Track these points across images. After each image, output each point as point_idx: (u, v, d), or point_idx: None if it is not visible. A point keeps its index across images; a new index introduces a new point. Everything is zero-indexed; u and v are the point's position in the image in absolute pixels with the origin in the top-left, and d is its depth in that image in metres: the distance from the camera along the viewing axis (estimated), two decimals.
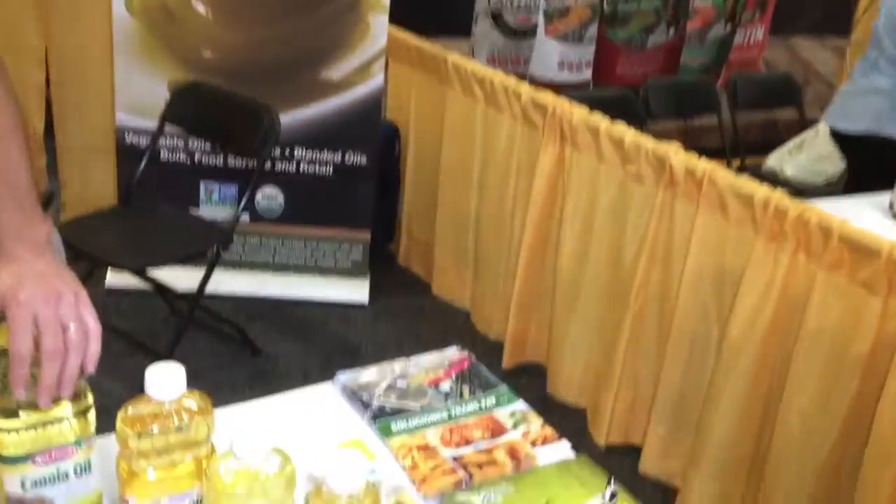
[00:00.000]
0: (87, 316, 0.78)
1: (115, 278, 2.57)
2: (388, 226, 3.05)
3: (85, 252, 2.15)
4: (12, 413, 0.75)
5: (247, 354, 2.43)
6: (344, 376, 1.12)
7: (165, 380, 0.78)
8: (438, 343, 1.20)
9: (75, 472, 0.80)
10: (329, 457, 0.72)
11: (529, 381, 2.42)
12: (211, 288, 2.29)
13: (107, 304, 2.53)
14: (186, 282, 2.35)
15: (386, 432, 1.02)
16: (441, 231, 2.81)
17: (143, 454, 0.77)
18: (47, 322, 0.74)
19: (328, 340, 2.61)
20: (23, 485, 0.77)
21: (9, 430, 0.75)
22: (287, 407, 1.06)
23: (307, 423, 1.04)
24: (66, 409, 0.78)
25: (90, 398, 0.80)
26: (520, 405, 1.10)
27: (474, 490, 0.93)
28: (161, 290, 2.42)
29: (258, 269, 2.76)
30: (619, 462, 2.13)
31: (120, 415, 0.78)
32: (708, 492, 1.91)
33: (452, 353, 1.21)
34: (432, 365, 1.17)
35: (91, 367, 0.77)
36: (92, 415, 0.80)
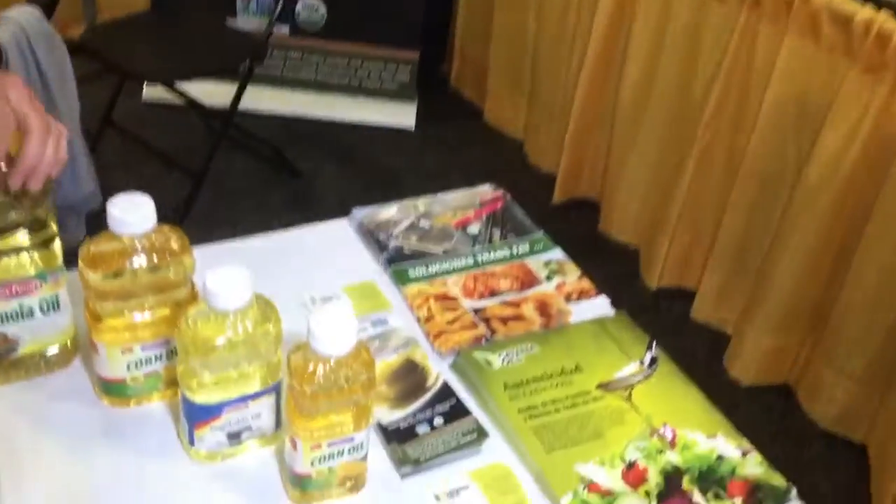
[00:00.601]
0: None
1: (152, 91, 2.45)
2: (440, 45, 2.83)
3: (111, 62, 2.03)
4: None
5: (285, 177, 2.33)
6: (360, 212, 1.00)
7: (131, 213, 0.66)
8: (487, 174, 1.06)
9: (41, 310, 0.71)
10: (315, 313, 0.61)
11: (580, 218, 2.29)
12: (251, 106, 2.16)
13: (143, 117, 2.44)
14: (224, 97, 2.23)
15: (401, 278, 0.90)
16: (496, 53, 2.58)
17: (108, 296, 0.67)
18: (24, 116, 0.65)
19: (370, 167, 2.49)
20: None
21: None
22: (296, 244, 0.96)
23: (316, 262, 0.93)
24: (22, 236, 0.68)
25: (53, 227, 0.70)
26: (556, 254, 0.97)
27: (494, 347, 0.82)
28: (195, 105, 2.30)
29: (300, 88, 2.61)
30: (669, 306, 2.03)
31: (81, 252, 0.67)
32: (762, 343, 1.80)
33: (485, 190, 1.07)
34: (461, 203, 1.04)
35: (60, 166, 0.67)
36: (57, 245, 0.70)
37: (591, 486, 0.70)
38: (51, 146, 0.66)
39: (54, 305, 0.72)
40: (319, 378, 0.60)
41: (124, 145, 2.29)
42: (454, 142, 2.63)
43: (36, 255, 0.69)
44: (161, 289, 0.69)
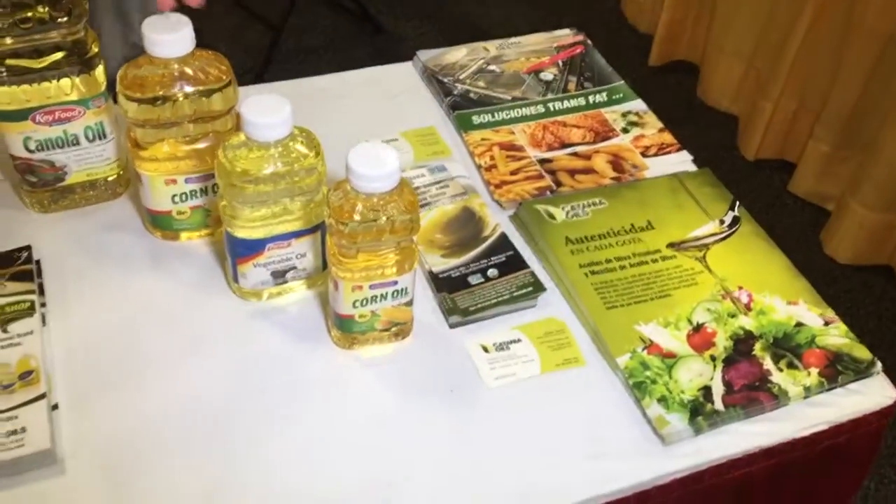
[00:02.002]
0: None
1: None
2: None
3: None
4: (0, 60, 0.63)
5: (368, 33, 2.25)
6: (425, 54, 0.93)
7: (168, 33, 0.62)
8: (579, 30, 0.97)
9: (87, 138, 0.69)
10: (354, 149, 0.56)
11: (678, 82, 2.13)
12: None
13: None
14: None
15: (465, 124, 0.84)
16: None
17: (147, 123, 0.64)
18: None
19: (457, 23, 2.37)
20: (27, 147, 0.68)
21: None
22: (358, 86, 0.90)
23: (376, 105, 0.88)
24: (61, 59, 0.65)
25: (95, 49, 0.66)
26: (637, 104, 0.88)
27: (558, 200, 0.76)
28: None
29: None
30: (767, 178, 1.90)
31: (119, 76, 0.64)
32: (866, 220, 1.67)
33: (564, 34, 0.98)
34: (536, 48, 0.95)
35: None
36: (100, 71, 0.67)
37: (651, 346, 0.65)
38: None
39: (100, 134, 0.70)
40: (357, 215, 0.56)
41: None
42: None
43: (77, 80, 0.66)
44: (203, 118, 0.65)
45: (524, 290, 0.68)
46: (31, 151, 0.68)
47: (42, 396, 0.58)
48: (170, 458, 0.58)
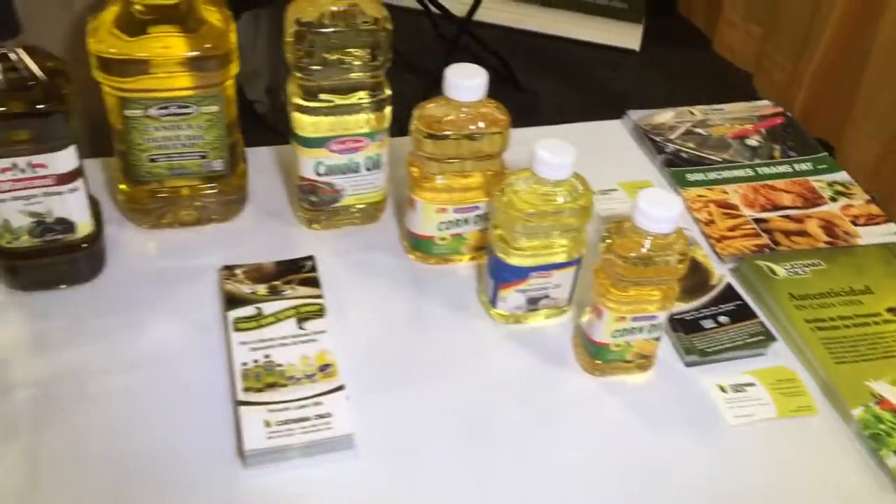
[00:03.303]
0: None
1: None
2: None
3: None
4: (313, 94, 0.72)
5: (507, 89, 2.36)
6: (636, 114, 1.01)
7: (467, 81, 0.71)
8: (712, 104, 1.03)
9: (366, 166, 0.78)
10: (644, 192, 0.63)
11: None
12: (476, 14, 2.19)
13: None
14: (454, 5, 2.26)
15: (680, 181, 0.91)
16: None
17: (434, 157, 0.73)
18: None
19: (591, 84, 2.46)
20: (316, 170, 0.77)
21: (309, 111, 0.73)
22: (572, 138, 0.97)
23: (590, 157, 0.94)
24: (363, 97, 0.74)
25: (388, 91, 0.76)
26: (842, 176, 0.94)
27: (778, 258, 0.81)
28: (428, 10, 2.35)
29: (524, 1, 2.60)
30: None
31: (416, 112, 0.73)
32: None
33: (763, 105, 1.04)
34: (738, 116, 1.01)
35: None
36: (388, 110, 0.76)
37: (882, 402, 0.69)
38: None
39: (377, 164, 0.79)
40: (643, 252, 0.63)
41: None
42: (678, 67, 2.55)
43: (372, 115, 0.75)
44: (481, 157, 0.73)
45: (756, 339, 0.73)
46: (319, 175, 0.77)
47: (341, 388, 0.65)
48: (442, 452, 0.64)
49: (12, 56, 0.61)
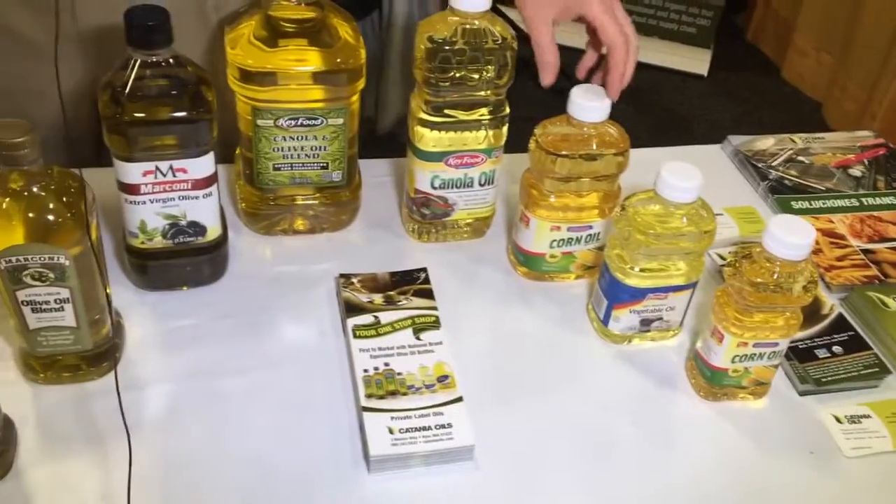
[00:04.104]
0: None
1: None
2: None
3: None
4: (437, 109, 0.74)
5: None
6: (736, 139, 1.00)
7: (592, 102, 0.72)
8: (780, 132, 1.03)
9: (479, 182, 0.79)
10: (775, 218, 0.63)
11: None
12: None
13: None
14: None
15: (785, 208, 0.90)
16: (809, 6, 2.43)
17: (550, 176, 0.73)
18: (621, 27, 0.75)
19: (657, 108, 2.46)
20: (432, 184, 0.78)
21: (432, 126, 0.74)
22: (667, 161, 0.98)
23: None
24: (484, 114, 0.75)
25: (507, 108, 0.77)
26: None
27: (889, 289, 0.80)
28: None
29: None
30: None
31: (537, 130, 0.74)
32: None
33: (865, 135, 1.03)
34: (840, 145, 1.01)
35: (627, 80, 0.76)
36: (506, 128, 0.78)
37: None
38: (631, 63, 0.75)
39: (490, 180, 0.80)
40: (773, 278, 0.63)
41: None
42: (746, 94, 2.53)
43: (491, 132, 0.77)
44: (599, 177, 0.74)
45: (871, 370, 0.73)
46: (434, 188, 0.79)
47: (460, 399, 0.66)
48: (558, 468, 0.65)
49: (164, 64, 0.64)
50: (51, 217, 0.58)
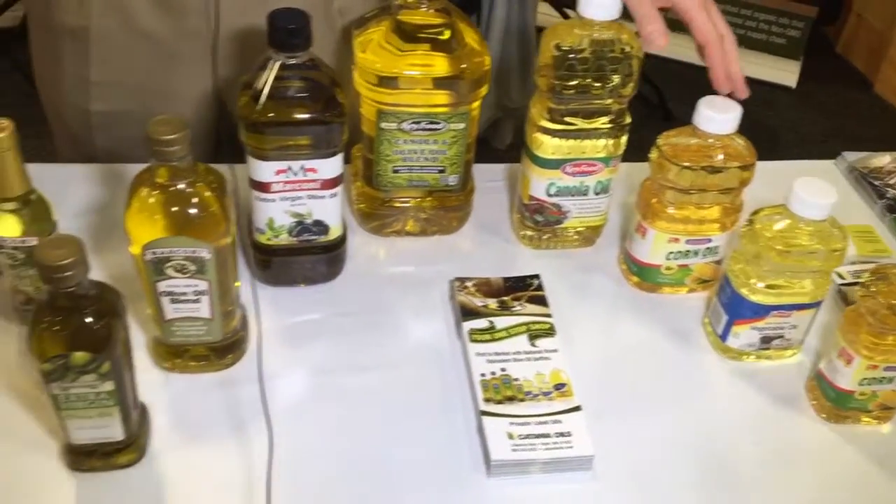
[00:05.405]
0: None
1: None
2: (832, 5, 2.63)
3: None
4: (559, 117, 0.74)
5: (658, 118, 2.34)
6: (851, 156, 0.98)
7: (720, 114, 0.71)
8: (871, 148, 0.99)
9: (594, 190, 0.79)
10: None
11: None
12: None
13: None
14: None
15: None
16: None
17: (671, 187, 0.73)
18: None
19: (743, 119, 2.40)
20: (547, 191, 0.78)
21: (552, 133, 0.75)
22: (775, 174, 0.96)
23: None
24: (605, 123, 0.75)
25: (628, 117, 0.76)
26: None
27: None
28: None
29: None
30: None
31: (660, 140, 0.74)
32: None
33: None
34: None
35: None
36: (625, 138, 0.77)
37: None
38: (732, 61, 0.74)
39: (605, 189, 0.79)
40: None
41: None
42: (836, 108, 2.47)
43: (610, 141, 0.76)
44: (722, 190, 0.73)
45: None
46: (549, 195, 0.79)
47: (578, 408, 0.66)
48: (677, 483, 0.64)
49: (302, 66, 0.65)
50: (195, 211, 0.60)
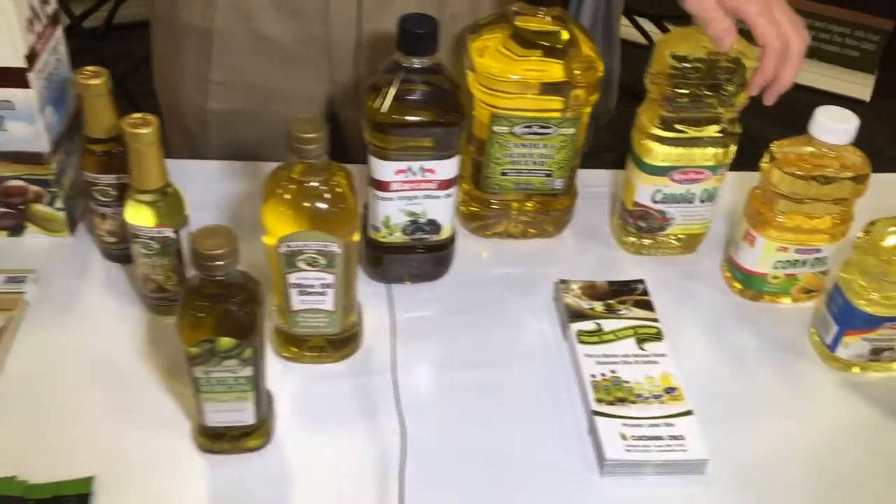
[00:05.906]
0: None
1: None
2: None
3: None
4: (669, 125, 0.75)
5: None
6: None
7: (838, 124, 0.71)
8: None
9: (700, 198, 0.79)
10: None
11: None
12: None
13: None
14: None
15: None
16: None
17: (788, 195, 0.73)
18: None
19: None
20: (653, 198, 0.79)
21: (662, 141, 0.75)
22: (882, 187, 0.95)
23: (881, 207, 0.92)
24: (715, 131, 0.75)
25: (738, 128, 0.77)
26: None
27: None
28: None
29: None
30: None
31: (773, 147, 0.74)
32: None
33: None
34: None
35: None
36: (734, 146, 0.78)
37: None
38: (789, 68, 0.72)
39: (710, 197, 0.80)
40: None
41: None
42: None
43: (719, 150, 0.77)
44: (835, 200, 0.73)
45: None
46: (654, 202, 0.79)
47: (690, 412, 0.67)
48: (791, 492, 0.64)
49: (427, 70, 0.67)
50: (328, 207, 0.62)
